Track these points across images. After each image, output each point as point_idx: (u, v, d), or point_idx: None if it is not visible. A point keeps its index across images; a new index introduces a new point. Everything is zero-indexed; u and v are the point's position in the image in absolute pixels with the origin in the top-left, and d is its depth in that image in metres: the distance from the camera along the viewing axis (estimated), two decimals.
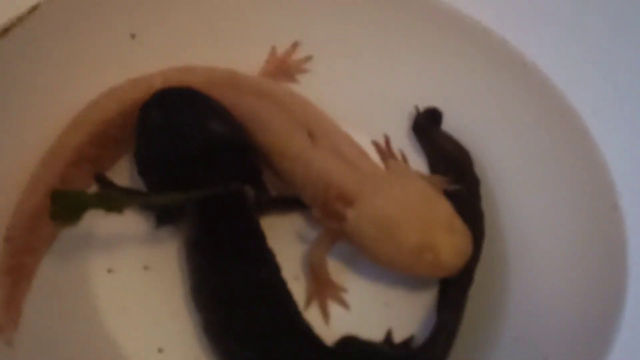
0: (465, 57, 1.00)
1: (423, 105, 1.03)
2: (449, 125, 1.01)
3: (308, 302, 0.92)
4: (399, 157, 0.93)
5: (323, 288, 0.92)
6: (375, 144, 0.93)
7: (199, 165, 0.87)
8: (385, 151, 0.93)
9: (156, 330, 0.87)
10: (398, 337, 0.89)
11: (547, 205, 0.92)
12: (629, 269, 0.79)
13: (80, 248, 0.91)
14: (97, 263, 0.91)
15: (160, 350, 0.86)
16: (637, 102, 0.89)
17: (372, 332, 0.89)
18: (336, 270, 0.93)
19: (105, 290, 0.90)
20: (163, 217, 0.91)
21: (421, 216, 0.85)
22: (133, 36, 1.00)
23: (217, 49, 1.03)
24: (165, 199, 0.80)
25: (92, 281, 0.90)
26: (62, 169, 0.91)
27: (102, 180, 0.95)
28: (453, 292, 0.86)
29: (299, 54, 1.07)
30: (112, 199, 0.77)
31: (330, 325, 0.90)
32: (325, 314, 0.91)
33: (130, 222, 0.93)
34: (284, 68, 1.07)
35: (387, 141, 0.94)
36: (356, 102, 1.05)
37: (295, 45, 1.07)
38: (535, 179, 0.94)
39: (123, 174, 0.96)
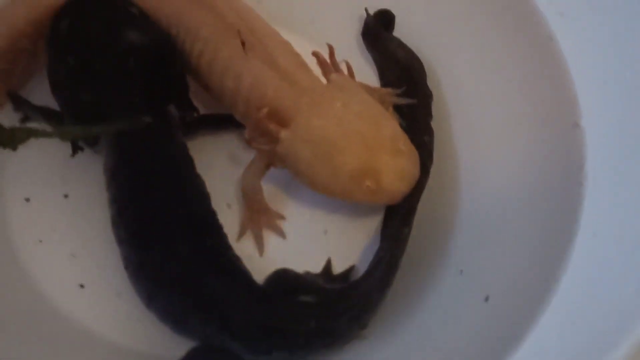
0: None
1: (374, 8, 0.93)
2: (401, 31, 0.92)
3: (241, 232, 0.85)
4: (344, 69, 0.84)
5: (258, 216, 0.86)
6: (316, 55, 0.83)
7: (115, 81, 0.78)
8: (327, 63, 0.83)
9: (75, 264, 0.82)
10: (338, 267, 0.84)
11: (504, 122, 0.83)
12: (583, 197, 0.72)
13: None
14: (13, 191, 0.84)
15: (81, 286, 0.81)
16: (611, 5, 0.78)
17: (311, 263, 0.83)
18: (272, 195, 0.87)
19: (21, 220, 0.83)
20: (77, 143, 0.83)
21: (363, 137, 0.77)
22: None
23: None
24: (66, 133, 0.71)
25: (7, 211, 0.83)
26: None
27: (16, 99, 0.86)
28: (395, 220, 0.79)
29: None
30: (7, 134, 0.68)
31: (265, 256, 0.84)
32: (260, 245, 0.85)
33: (50, 146, 0.84)
34: None
35: (332, 52, 0.84)
36: (301, 5, 0.95)
37: None
38: (493, 92, 0.84)
39: (40, 90, 0.87)
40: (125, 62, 0.79)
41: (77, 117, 0.79)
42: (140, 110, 0.78)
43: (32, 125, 0.84)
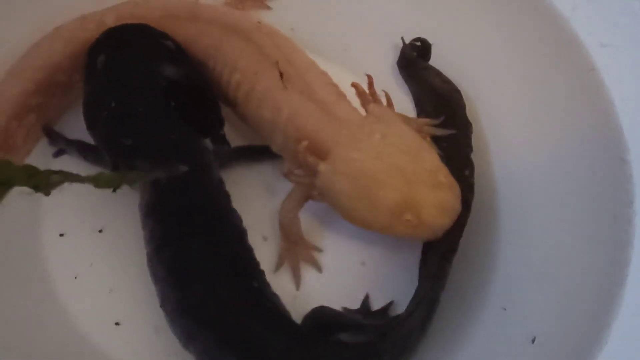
0: None
1: (410, 37, 0.92)
2: (438, 60, 0.90)
3: (278, 265, 0.84)
4: (383, 99, 0.83)
5: (295, 248, 0.85)
6: (356, 86, 0.82)
7: (150, 118, 0.78)
8: (366, 94, 0.82)
9: (112, 300, 0.81)
10: (376, 300, 0.82)
11: (545, 155, 0.81)
12: (633, 236, 0.69)
13: (30, 210, 0.84)
14: (48, 226, 0.84)
15: (117, 324, 0.80)
16: None
17: (348, 297, 0.82)
18: (309, 227, 0.86)
19: (56, 255, 0.83)
20: None
21: (402, 170, 0.76)
22: None
23: None
24: (100, 181, 0.70)
25: (42, 246, 0.83)
26: (3, 124, 0.83)
27: (51, 133, 0.87)
28: (436, 257, 0.77)
29: None
30: (41, 177, 0.66)
31: (302, 289, 0.83)
32: (297, 278, 0.84)
33: None
34: None
35: (371, 82, 0.83)
36: (335, 32, 0.95)
37: None
38: (534, 124, 0.83)
39: (76, 123, 0.87)
40: (161, 99, 0.79)
41: (112, 153, 0.79)
42: (177, 147, 0.78)
43: (65, 163, 0.85)
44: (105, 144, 0.80)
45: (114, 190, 0.79)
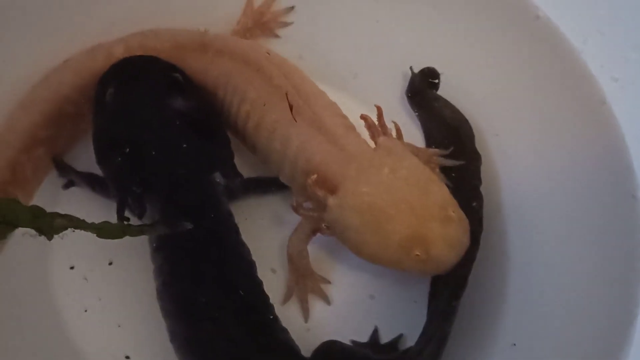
0: (466, 12, 0.87)
1: (419, 67, 0.91)
2: (447, 90, 0.90)
3: (287, 297, 0.85)
4: (392, 131, 0.82)
5: (303, 281, 0.85)
6: (365, 119, 0.82)
7: (160, 153, 0.78)
8: (376, 127, 0.82)
9: (121, 334, 0.82)
10: (384, 333, 0.82)
11: (555, 189, 0.80)
12: None
13: (40, 242, 0.80)
14: (58, 259, 0.85)
15: (127, 358, 0.81)
16: None
17: (357, 330, 0.82)
18: (317, 259, 0.86)
19: (66, 288, 0.84)
20: (124, 212, 0.80)
21: (411, 204, 0.75)
22: None
23: (186, 5, 0.92)
24: (104, 231, 0.70)
25: (52, 278, 0.84)
26: (13, 157, 0.84)
27: (60, 165, 0.87)
28: (445, 292, 0.77)
29: (278, 5, 0.96)
30: (46, 220, 0.66)
31: (311, 322, 0.84)
32: (305, 310, 0.84)
33: (93, 213, 0.79)
34: (262, 22, 0.95)
35: (380, 113, 0.82)
36: (344, 60, 0.95)
37: None
38: (544, 157, 0.82)
39: (85, 155, 0.87)
40: (170, 132, 0.79)
41: (120, 188, 0.79)
42: (186, 182, 0.78)
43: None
44: (113, 179, 0.80)
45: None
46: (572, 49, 0.80)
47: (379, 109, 0.83)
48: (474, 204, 0.82)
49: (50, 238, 0.65)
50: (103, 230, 0.67)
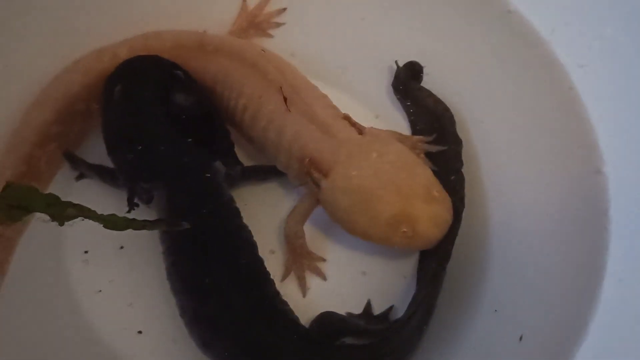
0: (446, 9, 0.94)
1: (403, 61, 0.97)
2: (430, 82, 0.96)
3: (285, 275, 0.91)
4: (378, 124, 0.89)
5: (300, 259, 0.91)
6: (347, 119, 0.88)
7: (165, 143, 0.84)
8: (358, 124, 0.88)
9: (133, 312, 0.87)
10: (377, 306, 0.88)
11: (529, 167, 0.87)
12: (609, 242, 0.76)
13: (56, 230, 0.86)
14: (73, 244, 0.90)
15: (139, 332, 0.86)
16: (627, 58, 0.83)
17: (351, 303, 0.88)
18: (313, 240, 0.92)
19: (81, 272, 0.89)
20: (134, 200, 0.86)
21: (398, 185, 0.82)
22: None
23: (185, 8, 0.98)
24: (111, 223, 0.75)
25: (67, 263, 0.89)
26: (28, 151, 0.89)
27: (72, 159, 0.93)
28: (431, 264, 0.84)
29: (271, 7, 1.02)
30: (59, 208, 0.72)
31: (308, 297, 0.90)
32: (303, 286, 0.90)
33: (106, 202, 0.88)
34: (256, 22, 1.01)
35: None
36: (333, 56, 1.01)
37: None
38: (518, 139, 0.89)
39: (95, 148, 0.93)
40: (174, 125, 0.85)
41: (129, 177, 0.85)
42: (189, 170, 0.84)
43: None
44: (122, 168, 0.86)
45: (129, 211, 0.86)
46: (541, 40, 0.87)
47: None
48: (457, 184, 0.88)
49: (61, 224, 0.71)
50: (109, 222, 0.73)
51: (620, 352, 0.69)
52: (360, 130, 0.87)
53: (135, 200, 0.86)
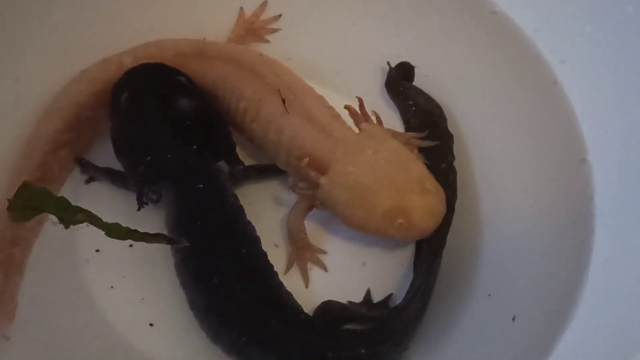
0: (434, 12, 0.99)
1: (395, 61, 1.02)
2: (421, 81, 1.01)
3: (288, 268, 0.95)
4: (373, 118, 0.93)
5: (302, 252, 0.95)
6: (349, 108, 0.92)
7: (171, 146, 0.88)
8: (359, 114, 0.93)
9: (144, 306, 0.91)
10: (376, 295, 0.93)
11: (517, 158, 0.92)
12: (594, 226, 0.81)
13: (69, 229, 0.89)
14: (85, 244, 0.94)
15: (151, 325, 0.90)
16: (607, 53, 0.88)
17: (352, 292, 0.93)
18: (314, 233, 0.96)
19: (93, 269, 0.93)
20: (143, 199, 0.90)
21: (393, 179, 0.86)
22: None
23: (185, 18, 1.02)
24: (113, 231, 0.80)
25: (81, 261, 0.93)
26: (41, 158, 0.93)
27: (82, 163, 0.97)
28: (427, 253, 0.88)
29: (267, 14, 1.06)
30: (69, 212, 0.77)
31: (311, 287, 0.94)
32: (305, 278, 0.94)
33: (116, 201, 0.95)
34: (253, 29, 1.06)
35: (361, 103, 0.93)
36: (327, 59, 1.05)
37: (263, 5, 1.07)
38: (506, 132, 0.94)
39: (104, 153, 0.97)
40: (179, 128, 0.89)
41: (137, 179, 0.89)
42: (194, 171, 0.88)
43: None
44: (131, 170, 0.91)
45: (139, 209, 0.90)
46: (525, 38, 0.92)
47: (360, 100, 0.93)
48: (449, 177, 0.93)
49: (67, 227, 0.76)
50: (112, 231, 0.78)
51: (607, 328, 0.73)
52: (365, 117, 0.92)
53: (145, 199, 0.90)
